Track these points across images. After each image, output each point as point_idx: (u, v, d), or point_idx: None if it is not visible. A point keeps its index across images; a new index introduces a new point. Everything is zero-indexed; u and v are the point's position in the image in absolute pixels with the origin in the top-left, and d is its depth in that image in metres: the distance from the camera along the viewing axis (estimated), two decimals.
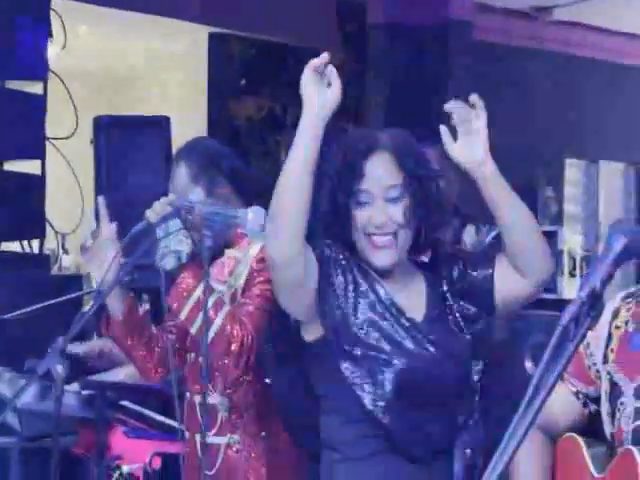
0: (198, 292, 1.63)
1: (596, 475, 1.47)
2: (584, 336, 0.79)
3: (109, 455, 2.40)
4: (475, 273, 1.31)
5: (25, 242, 3.60)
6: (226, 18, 4.93)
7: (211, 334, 1.62)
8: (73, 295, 2.89)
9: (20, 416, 2.31)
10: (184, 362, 1.92)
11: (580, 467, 1.51)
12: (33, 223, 3.56)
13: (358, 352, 1.26)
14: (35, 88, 3.64)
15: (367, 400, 1.23)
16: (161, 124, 3.22)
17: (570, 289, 5.55)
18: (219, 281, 1.80)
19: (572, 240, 6.26)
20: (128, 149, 3.18)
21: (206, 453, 1.69)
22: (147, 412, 2.52)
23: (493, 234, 2.23)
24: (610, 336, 1.43)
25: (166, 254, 1.62)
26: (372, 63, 5.26)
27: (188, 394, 1.87)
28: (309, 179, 1.20)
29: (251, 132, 5.48)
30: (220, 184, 1.81)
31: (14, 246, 3.63)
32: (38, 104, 3.53)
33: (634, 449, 1.34)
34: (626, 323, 1.46)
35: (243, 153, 4.83)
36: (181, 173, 1.81)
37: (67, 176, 3.66)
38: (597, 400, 1.48)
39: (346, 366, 1.25)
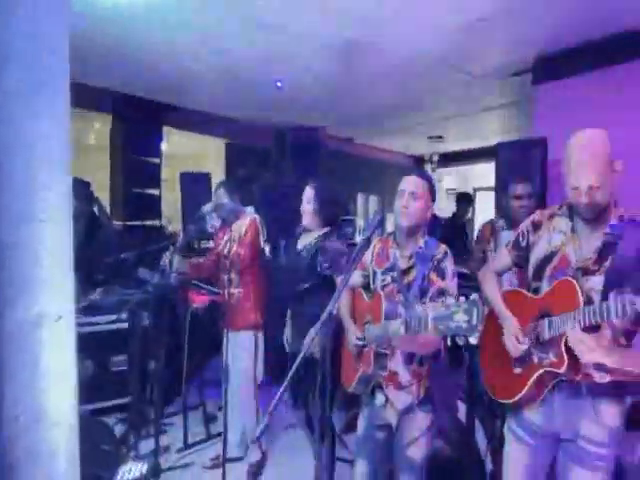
0: (226, 238, 3.31)
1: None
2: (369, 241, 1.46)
3: (189, 302, 3.94)
4: None
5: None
6: None
7: (232, 251, 3.23)
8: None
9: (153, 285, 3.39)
10: (218, 269, 3.42)
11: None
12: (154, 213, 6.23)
13: None
14: None
15: None
16: (207, 176, 6.11)
17: None
18: (234, 232, 3.34)
19: None
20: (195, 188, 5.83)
21: (231, 297, 3.26)
22: (203, 285, 4.16)
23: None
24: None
25: (208, 223, 3.40)
26: None
27: (222, 275, 3.32)
28: None
29: None
30: (234, 197, 3.41)
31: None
32: None
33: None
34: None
35: None
36: (221, 191, 3.41)
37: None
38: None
39: None
